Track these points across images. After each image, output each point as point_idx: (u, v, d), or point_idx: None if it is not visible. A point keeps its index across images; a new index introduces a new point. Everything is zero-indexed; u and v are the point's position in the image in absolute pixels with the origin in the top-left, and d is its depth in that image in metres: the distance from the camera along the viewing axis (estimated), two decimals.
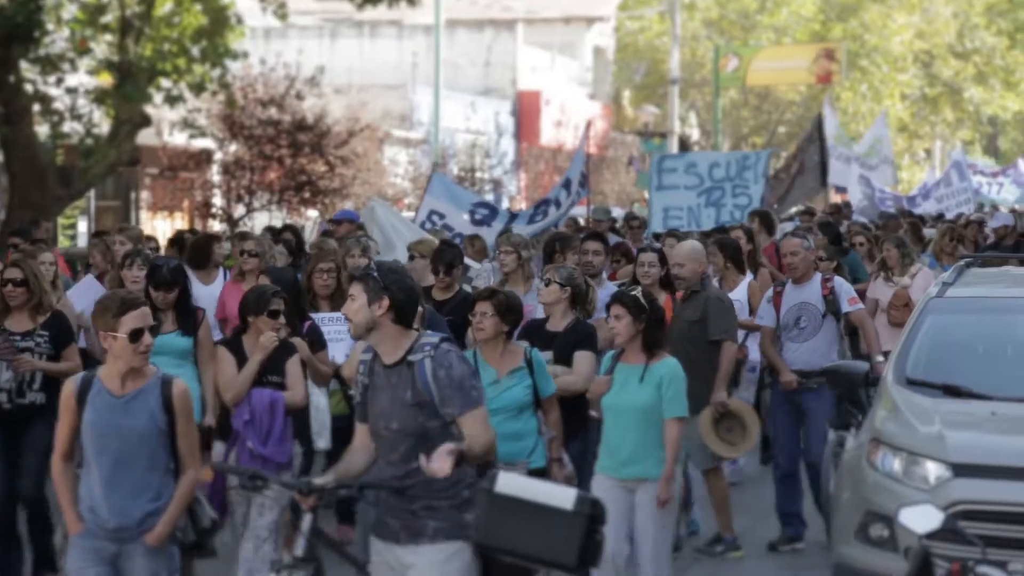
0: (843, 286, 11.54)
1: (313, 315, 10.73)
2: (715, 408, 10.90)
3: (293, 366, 9.30)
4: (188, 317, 10.21)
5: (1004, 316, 9.47)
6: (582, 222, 21.35)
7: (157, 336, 10.05)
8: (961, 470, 7.87)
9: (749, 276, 13.43)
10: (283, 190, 28.81)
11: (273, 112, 29.08)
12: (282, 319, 9.36)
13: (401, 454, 6.46)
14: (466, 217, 17.54)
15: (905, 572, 4.91)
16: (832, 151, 35.60)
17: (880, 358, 11.05)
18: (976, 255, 11.82)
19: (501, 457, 8.09)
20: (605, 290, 11.49)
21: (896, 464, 8.14)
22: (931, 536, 5.62)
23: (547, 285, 10.18)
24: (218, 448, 9.29)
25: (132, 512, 6.87)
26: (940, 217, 25.39)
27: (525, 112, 46.27)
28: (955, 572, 5.00)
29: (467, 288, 12.33)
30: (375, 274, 6.43)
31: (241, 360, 9.26)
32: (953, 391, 8.61)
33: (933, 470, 7.97)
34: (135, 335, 6.85)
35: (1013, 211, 27.56)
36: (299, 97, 29.28)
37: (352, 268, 11.37)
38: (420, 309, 10.82)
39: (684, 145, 50.01)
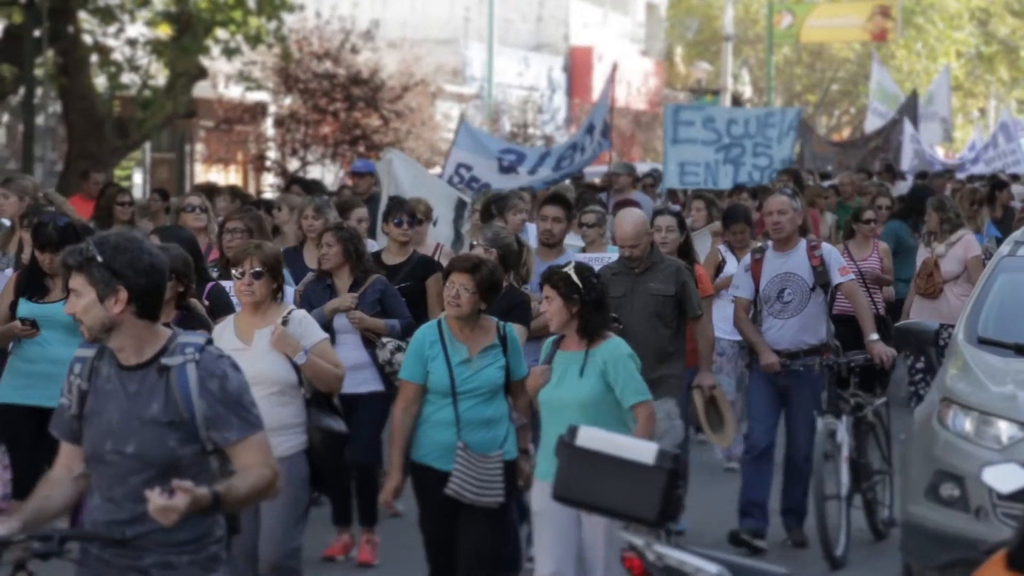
0: (832, 253, 10.23)
1: (225, 283, 9.18)
2: (704, 391, 9.89)
3: None
4: None
5: None
6: (597, 181, 20.81)
7: (43, 305, 8.81)
8: None
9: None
10: (337, 144, 28.87)
11: (328, 66, 29.12)
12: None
13: (131, 489, 4.86)
14: (494, 164, 16.95)
15: (1013, 535, 4.86)
16: (871, 106, 35.55)
17: (874, 336, 10.00)
18: None
19: (472, 447, 7.66)
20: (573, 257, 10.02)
21: (967, 424, 8.11)
22: (1012, 496, 5.57)
23: (471, 248, 9.13)
24: None
25: None
26: (993, 178, 25.11)
27: (577, 68, 46.10)
28: None
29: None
30: (99, 258, 4.86)
31: None
32: None
33: (1005, 429, 7.96)
34: None
35: None
36: (354, 51, 29.31)
37: (233, 249, 9.42)
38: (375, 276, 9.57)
39: (737, 102, 49.75)
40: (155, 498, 4.62)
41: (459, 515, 7.78)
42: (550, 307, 7.60)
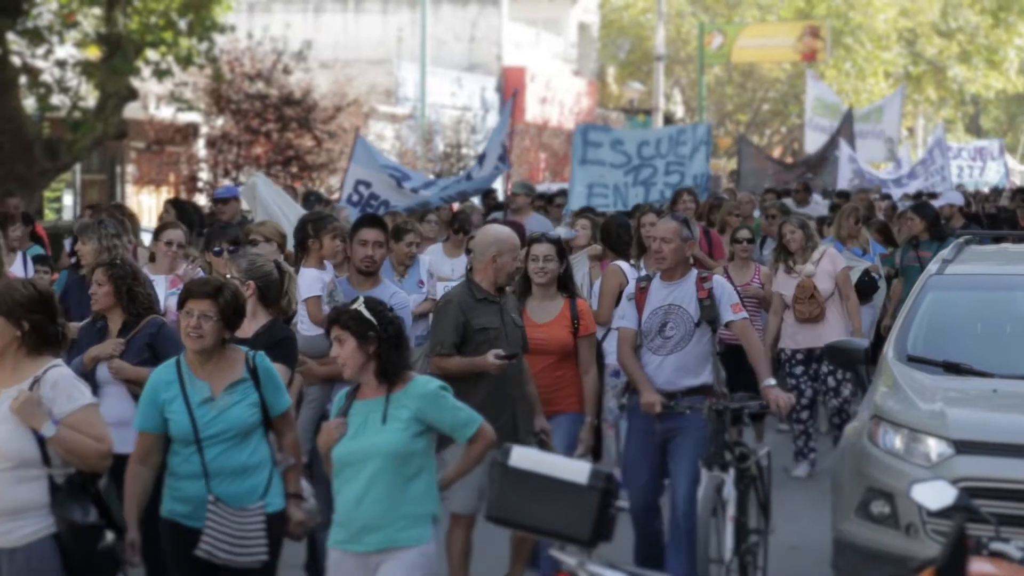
0: (724, 288, 9.10)
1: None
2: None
3: None
4: None
5: (1004, 293, 9.52)
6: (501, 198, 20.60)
7: None
8: (963, 447, 7.92)
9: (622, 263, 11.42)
10: (270, 165, 28.79)
11: (260, 86, 29.07)
12: None
13: None
14: (391, 180, 16.41)
15: (940, 552, 4.91)
16: (809, 122, 35.91)
17: (771, 381, 9.00)
18: (973, 232, 11.80)
19: (226, 500, 6.76)
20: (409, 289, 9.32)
21: (897, 441, 8.18)
22: (941, 514, 5.62)
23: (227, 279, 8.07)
24: None
25: None
26: (919, 196, 25.23)
27: (510, 88, 46.15)
28: (969, 548, 5.00)
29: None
30: None
31: None
32: (954, 368, 8.64)
33: (935, 447, 8.01)
34: None
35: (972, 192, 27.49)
36: (286, 71, 29.26)
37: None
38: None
39: (669, 122, 50.00)
40: None
41: None
42: (342, 350, 6.59)
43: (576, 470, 5.45)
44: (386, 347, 6.58)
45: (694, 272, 9.11)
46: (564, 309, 9.19)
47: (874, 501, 8.10)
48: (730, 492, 8.56)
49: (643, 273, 10.05)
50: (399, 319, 6.77)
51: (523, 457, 5.51)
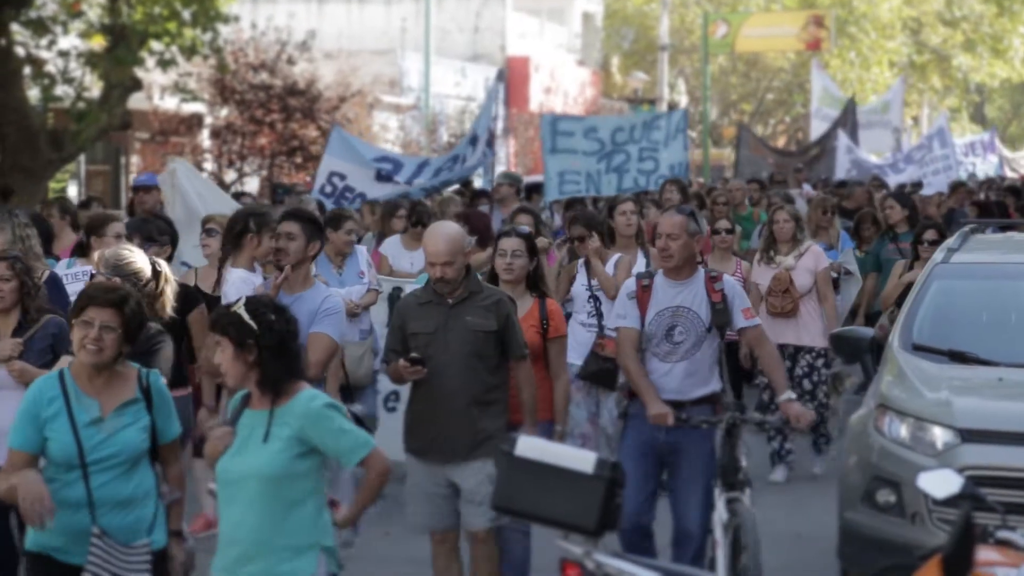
0: (735, 290, 8.27)
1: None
2: None
3: None
4: None
5: (1009, 282, 9.50)
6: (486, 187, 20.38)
7: None
8: (969, 435, 7.91)
9: (617, 256, 10.82)
10: (274, 155, 28.80)
11: (264, 77, 29.07)
12: None
13: None
14: (371, 173, 16.10)
15: (947, 540, 4.92)
16: (816, 112, 35.91)
17: (791, 395, 8.23)
18: (980, 221, 11.76)
19: (111, 533, 6.06)
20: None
21: (903, 430, 8.17)
22: (947, 502, 5.62)
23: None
24: None
25: None
26: (918, 185, 25.07)
27: (514, 78, 46.14)
28: (975, 536, 5.01)
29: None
30: None
31: None
32: (959, 357, 8.65)
33: (940, 436, 8.01)
34: None
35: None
36: (290, 62, 29.27)
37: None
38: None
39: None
40: None
41: None
42: (222, 358, 5.92)
43: (582, 459, 5.46)
44: (266, 356, 5.87)
45: (702, 271, 8.31)
46: (533, 308, 8.36)
47: (880, 490, 8.11)
48: (750, 513, 7.69)
49: (641, 269, 9.40)
50: (287, 324, 6.00)
51: (528, 447, 5.52)
